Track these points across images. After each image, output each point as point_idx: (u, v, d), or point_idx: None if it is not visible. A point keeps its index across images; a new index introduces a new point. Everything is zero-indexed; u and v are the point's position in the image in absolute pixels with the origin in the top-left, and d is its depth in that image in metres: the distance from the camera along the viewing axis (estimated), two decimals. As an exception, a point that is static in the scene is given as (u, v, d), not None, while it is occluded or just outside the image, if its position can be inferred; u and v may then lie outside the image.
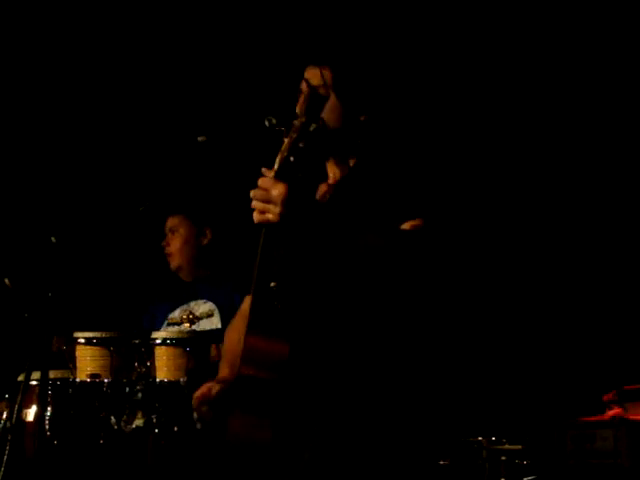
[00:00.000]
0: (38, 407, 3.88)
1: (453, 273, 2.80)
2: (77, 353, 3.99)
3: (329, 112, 2.80)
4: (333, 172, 2.89)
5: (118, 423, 3.88)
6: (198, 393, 2.88)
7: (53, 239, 3.78)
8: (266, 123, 2.80)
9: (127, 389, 3.91)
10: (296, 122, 2.62)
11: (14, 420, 3.60)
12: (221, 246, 4.72)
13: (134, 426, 3.87)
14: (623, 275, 5.30)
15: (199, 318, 4.57)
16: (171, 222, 4.72)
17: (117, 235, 5.00)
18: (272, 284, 2.67)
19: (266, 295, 2.68)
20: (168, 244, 4.70)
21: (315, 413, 2.72)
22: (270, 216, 2.59)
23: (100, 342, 3.97)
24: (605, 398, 4.94)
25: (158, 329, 4.54)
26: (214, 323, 4.54)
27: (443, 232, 2.70)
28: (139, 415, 3.88)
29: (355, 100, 2.81)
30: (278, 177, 2.58)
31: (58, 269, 3.70)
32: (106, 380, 3.92)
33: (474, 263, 4.77)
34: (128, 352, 3.97)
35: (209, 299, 4.59)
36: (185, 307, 4.62)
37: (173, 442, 3.85)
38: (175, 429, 3.86)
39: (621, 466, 4.64)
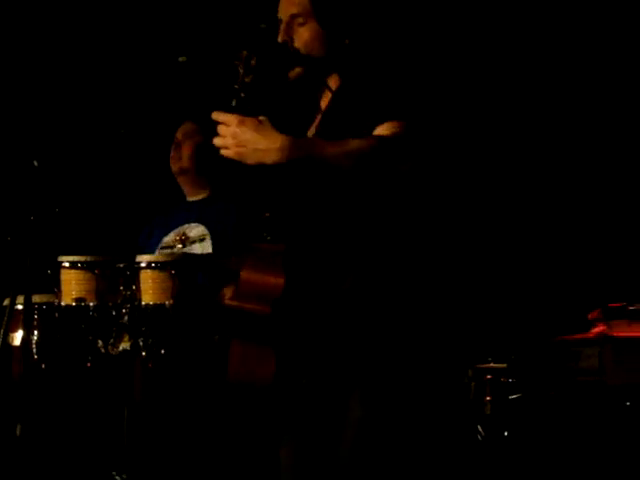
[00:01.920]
0: (24, 331, 3.88)
1: (436, 177, 2.81)
2: (62, 277, 3.98)
3: (311, 40, 2.78)
4: (323, 100, 2.87)
5: (105, 346, 3.89)
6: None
7: (35, 162, 3.75)
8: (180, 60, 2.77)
9: (113, 312, 3.91)
10: (238, 61, 2.62)
11: (0, 344, 3.60)
12: (219, 169, 4.70)
13: (121, 349, 3.88)
14: (610, 192, 5.30)
15: (192, 241, 4.56)
16: (180, 131, 4.68)
17: (107, 156, 4.97)
18: (266, 214, 2.67)
19: (259, 226, 2.68)
20: (176, 152, 4.65)
21: (314, 340, 2.72)
22: (242, 152, 2.59)
23: (85, 266, 3.96)
24: (590, 316, 4.96)
25: (152, 251, 4.53)
26: (205, 248, 4.53)
27: (422, 134, 2.69)
28: (125, 338, 3.88)
29: (336, 23, 2.79)
30: (237, 112, 2.59)
31: (40, 192, 3.68)
32: (92, 304, 3.92)
33: (458, 171, 4.74)
34: (113, 276, 3.96)
35: (203, 222, 4.57)
36: (179, 230, 4.60)
37: (160, 365, 3.87)
38: (162, 352, 3.87)
39: (606, 383, 4.68)
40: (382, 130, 2.69)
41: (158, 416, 3.91)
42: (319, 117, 2.87)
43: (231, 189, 4.64)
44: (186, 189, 4.70)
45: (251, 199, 2.73)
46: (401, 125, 2.68)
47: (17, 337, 3.94)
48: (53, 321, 3.96)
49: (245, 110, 2.62)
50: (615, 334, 4.82)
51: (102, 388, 3.92)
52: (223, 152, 2.62)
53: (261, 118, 2.61)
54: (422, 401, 2.73)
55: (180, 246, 4.56)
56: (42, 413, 3.90)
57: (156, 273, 3.94)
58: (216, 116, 2.61)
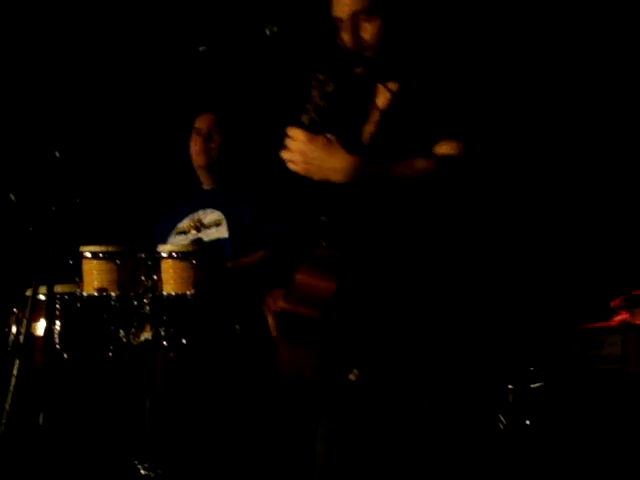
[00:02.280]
0: (47, 321, 3.89)
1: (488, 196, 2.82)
2: (84, 267, 3.99)
3: (379, 34, 2.78)
4: (379, 98, 2.87)
5: (127, 336, 3.90)
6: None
7: (57, 153, 3.76)
8: (267, 32, 2.77)
9: (135, 302, 3.92)
10: (315, 83, 2.63)
11: (23, 334, 3.61)
12: (236, 157, 4.73)
13: (142, 339, 3.89)
14: (631, 182, 5.27)
15: (207, 226, 4.57)
16: (201, 121, 4.70)
17: (123, 147, 4.98)
18: (322, 218, 2.70)
19: (315, 230, 2.71)
20: (200, 141, 4.66)
21: (363, 346, 2.73)
22: (309, 168, 2.64)
23: (106, 256, 3.97)
24: (612, 304, 4.94)
25: (166, 239, 4.55)
26: (221, 232, 4.54)
27: (483, 155, 2.71)
28: (147, 328, 3.89)
29: (402, 19, 2.78)
30: (310, 130, 2.63)
31: (62, 183, 3.69)
32: (113, 294, 3.93)
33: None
34: (134, 266, 3.97)
35: (218, 209, 4.59)
36: (193, 215, 4.62)
37: (181, 355, 3.87)
38: (183, 342, 3.88)
39: (628, 371, 4.66)
40: (443, 150, 2.70)
41: (180, 406, 3.92)
42: (377, 115, 2.85)
43: (245, 180, 4.67)
44: (207, 179, 4.72)
45: (309, 203, 2.76)
46: (462, 147, 2.70)
47: (40, 327, 3.96)
48: (75, 311, 3.97)
49: (315, 129, 2.66)
50: (638, 322, 4.80)
51: (124, 378, 3.93)
52: (290, 166, 2.65)
53: (330, 137, 2.65)
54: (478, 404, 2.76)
55: (195, 232, 4.58)
56: (65, 403, 3.92)
57: (177, 263, 3.95)
58: (288, 131, 2.65)
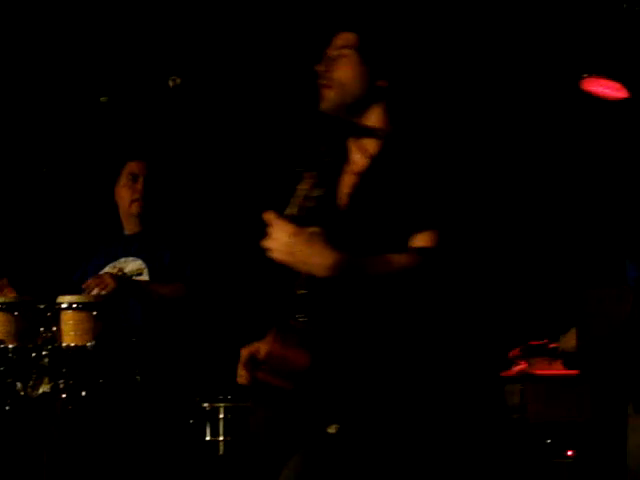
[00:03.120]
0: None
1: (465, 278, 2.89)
2: (-19, 319, 3.93)
3: (350, 73, 2.82)
4: (354, 158, 2.90)
5: (24, 389, 3.83)
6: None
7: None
8: (170, 84, 2.79)
9: (33, 354, 3.86)
10: (300, 187, 2.67)
11: None
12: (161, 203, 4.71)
13: (41, 392, 3.83)
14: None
15: (129, 275, 4.53)
16: (136, 167, 4.67)
17: (29, 195, 4.93)
18: (300, 292, 2.71)
19: (292, 303, 2.73)
20: (136, 188, 4.63)
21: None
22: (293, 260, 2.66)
23: (4, 307, 3.91)
24: (511, 354, 5.02)
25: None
26: None
27: (459, 246, 2.76)
28: (45, 380, 3.84)
29: (379, 61, 2.82)
30: (296, 221, 2.66)
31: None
32: (11, 346, 3.87)
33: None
34: (33, 317, 3.92)
35: (139, 256, 4.55)
36: (115, 264, 4.57)
37: (81, 407, 3.82)
38: (83, 394, 3.83)
39: (528, 421, 4.73)
40: (420, 242, 2.75)
41: (79, 460, 3.86)
42: (354, 177, 2.88)
43: (166, 224, 4.64)
44: (132, 224, 4.67)
45: (287, 276, 2.78)
46: (439, 238, 2.74)
47: None
48: (-29, 364, 3.90)
49: (300, 221, 2.69)
50: (536, 372, 4.88)
51: (21, 432, 3.86)
52: (272, 254, 2.66)
53: (314, 231, 2.66)
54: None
55: None
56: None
57: (77, 314, 3.90)
58: (271, 219, 2.66)
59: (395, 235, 2.77)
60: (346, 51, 2.85)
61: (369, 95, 2.86)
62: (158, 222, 4.65)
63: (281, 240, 2.65)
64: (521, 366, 4.96)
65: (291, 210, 2.73)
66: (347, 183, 2.88)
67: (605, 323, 4.36)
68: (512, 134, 5.31)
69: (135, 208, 4.60)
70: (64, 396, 3.82)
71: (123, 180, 4.64)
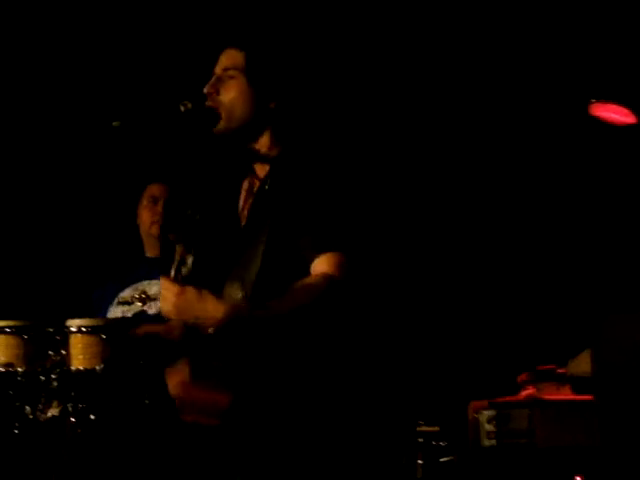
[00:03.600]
0: (-51, 397, 3.81)
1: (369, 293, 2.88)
2: (-11, 342, 3.93)
3: (237, 96, 2.80)
4: (249, 179, 2.90)
5: (33, 412, 3.83)
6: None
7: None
8: (181, 108, 2.80)
9: (42, 378, 3.86)
10: (178, 248, 2.73)
11: None
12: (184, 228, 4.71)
13: (49, 415, 3.82)
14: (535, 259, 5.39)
15: (152, 299, 4.53)
16: (157, 190, 4.69)
17: (36, 218, 4.95)
18: (210, 330, 2.74)
19: (204, 346, 2.77)
20: (156, 210, 4.65)
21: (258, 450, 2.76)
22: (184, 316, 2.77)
23: (13, 330, 3.91)
24: (519, 379, 5.01)
25: (107, 309, 4.49)
26: None
27: (361, 265, 2.76)
28: (54, 404, 3.83)
29: (265, 83, 2.80)
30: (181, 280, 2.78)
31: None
32: (20, 369, 3.87)
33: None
34: (42, 340, 3.92)
35: None
36: (137, 286, 4.58)
37: (90, 431, 3.82)
38: (92, 417, 3.82)
39: (535, 445, 4.72)
40: (324, 265, 2.73)
41: (87, 483, 3.86)
42: (251, 197, 2.88)
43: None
44: (149, 244, 4.69)
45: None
46: (341, 261, 2.73)
47: (-58, 403, 3.88)
48: (-20, 387, 3.89)
49: (185, 279, 2.82)
50: (544, 397, 4.87)
51: (30, 455, 3.86)
52: (166, 314, 2.78)
53: (203, 291, 2.72)
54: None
55: (140, 304, 4.54)
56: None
57: (86, 338, 3.90)
58: (161, 281, 2.79)
59: (288, 257, 2.76)
60: (233, 72, 2.83)
61: (257, 117, 2.84)
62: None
63: (169, 300, 2.74)
64: (529, 391, 4.95)
65: (173, 270, 2.82)
66: (246, 203, 2.89)
67: (622, 348, 4.35)
68: (521, 158, 5.33)
69: (155, 229, 4.62)
70: (73, 419, 3.81)
71: (144, 202, 4.67)
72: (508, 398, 4.93)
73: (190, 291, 2.70)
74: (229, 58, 2.82)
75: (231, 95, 2.80)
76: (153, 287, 4.55)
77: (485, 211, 5.41)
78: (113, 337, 3.94)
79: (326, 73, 4.92)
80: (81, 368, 3.86)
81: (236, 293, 2.80)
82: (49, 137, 5.25)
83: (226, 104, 2.80)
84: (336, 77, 5.10)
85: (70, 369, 3.86)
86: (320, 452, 2.71)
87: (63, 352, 3.89)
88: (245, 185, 2.91)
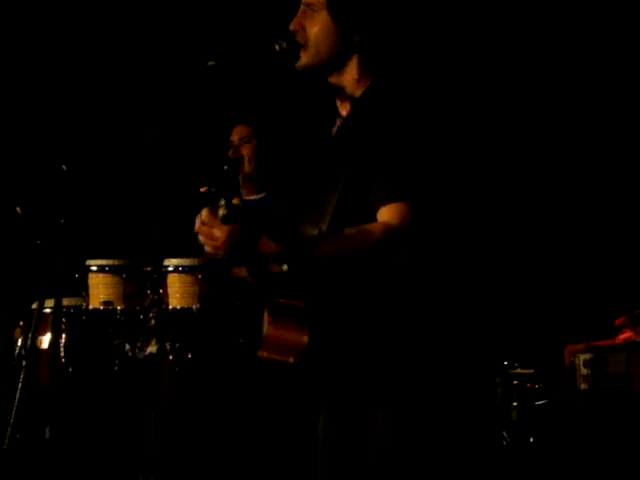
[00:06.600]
0: (52, 335, 3.90)
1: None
2: (90, 281, 3.99)
3: (321, 31, 2.78)
4: (342, 106, 2.88)
5: (132, 350, 3.90)
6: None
7: (64, 167, 3.77)
8: (276, 47, 2.78)
9: (140, 316, 3.92)
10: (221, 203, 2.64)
11: (29, 347, 3.62)
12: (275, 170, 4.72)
13: (147, 353, 3.89)
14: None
15: None
16: (245, 131, 4.71)
17: (136, 159, 5.00)
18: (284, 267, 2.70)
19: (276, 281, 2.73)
20: (237, 153, 4.67)
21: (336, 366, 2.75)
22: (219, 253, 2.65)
23: (112, 270, 3.97)
24: (617, 322, 4.94)
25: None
26: None
27: (428, 220, 2.69)
28: (152, 342, 3.89)
29: (349, 15, 2.78)
30: (223, 221, 2.62)
31: (69, 196, 3.70)
32: (119, 307, 3.93)
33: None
34: (140, 279, 3.98)
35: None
36: None
37: (187, 369, 3.88)
38: (188, 356, 3.88)
39: (633, 390, 4.66)
40: (388, 215, 2.66)
41: (185, 420, 3.92)
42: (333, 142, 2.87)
43: (283, 190, 4.65)
44: (245, 189, 4.71)
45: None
46: (406, 212, 2.65)
47: (45, 340, 3.97)
48: (81, 324, 3.97)
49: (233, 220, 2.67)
50: (643, 340, 4.80)
51: (129, 392, 3.93)
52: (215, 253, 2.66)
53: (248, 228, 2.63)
54: (449, 415, 2.74)
55: None
56: (70, 416, 3.92)
57: (183, 277, 3.95)
58: (207, 218, 2.66)
59: (362, 203, 2.69)
60: (315, 6, 2.80)
61: (343, 51, 2.80)
62: (274, 188, 4.67)
63: (220, 240, 2.62)
64: (627, 334, 4.89)
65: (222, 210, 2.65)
66: (332, 143, 2.86)
67: None
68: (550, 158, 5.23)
69: (251, 169, 4.64)
70: (170, 357, 3.87)
71: (240, 144, 4.68)
72: (605, 341, 4.86)
73: (240, 231, 2.59)
74: None
75: (315, 29, 2.79)
76: None
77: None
78: (210, 277, 3.98)
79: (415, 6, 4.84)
80: (178, 307, 3.92)
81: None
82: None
83: (312, 39, 2.79)
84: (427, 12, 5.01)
85: (168, 308, 3.92)
86: (408, 392, 2.69)
87: (161, 291, 3.95)
88: (337, 123, 2.88)
